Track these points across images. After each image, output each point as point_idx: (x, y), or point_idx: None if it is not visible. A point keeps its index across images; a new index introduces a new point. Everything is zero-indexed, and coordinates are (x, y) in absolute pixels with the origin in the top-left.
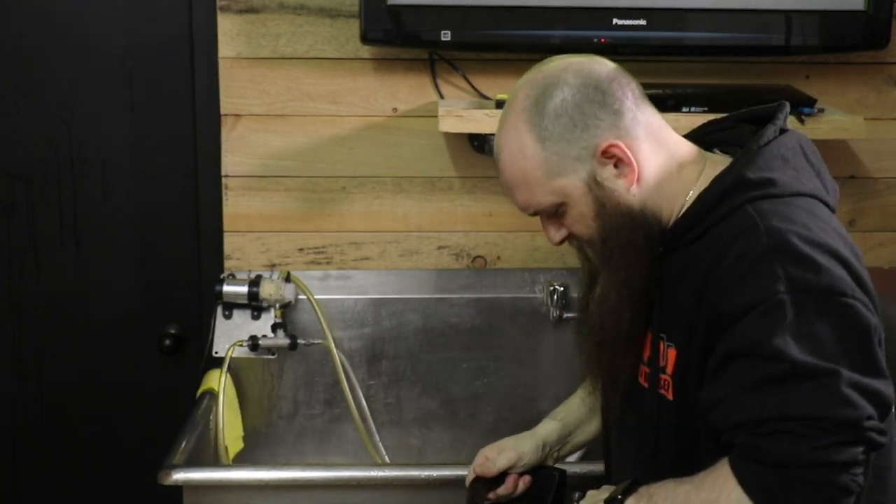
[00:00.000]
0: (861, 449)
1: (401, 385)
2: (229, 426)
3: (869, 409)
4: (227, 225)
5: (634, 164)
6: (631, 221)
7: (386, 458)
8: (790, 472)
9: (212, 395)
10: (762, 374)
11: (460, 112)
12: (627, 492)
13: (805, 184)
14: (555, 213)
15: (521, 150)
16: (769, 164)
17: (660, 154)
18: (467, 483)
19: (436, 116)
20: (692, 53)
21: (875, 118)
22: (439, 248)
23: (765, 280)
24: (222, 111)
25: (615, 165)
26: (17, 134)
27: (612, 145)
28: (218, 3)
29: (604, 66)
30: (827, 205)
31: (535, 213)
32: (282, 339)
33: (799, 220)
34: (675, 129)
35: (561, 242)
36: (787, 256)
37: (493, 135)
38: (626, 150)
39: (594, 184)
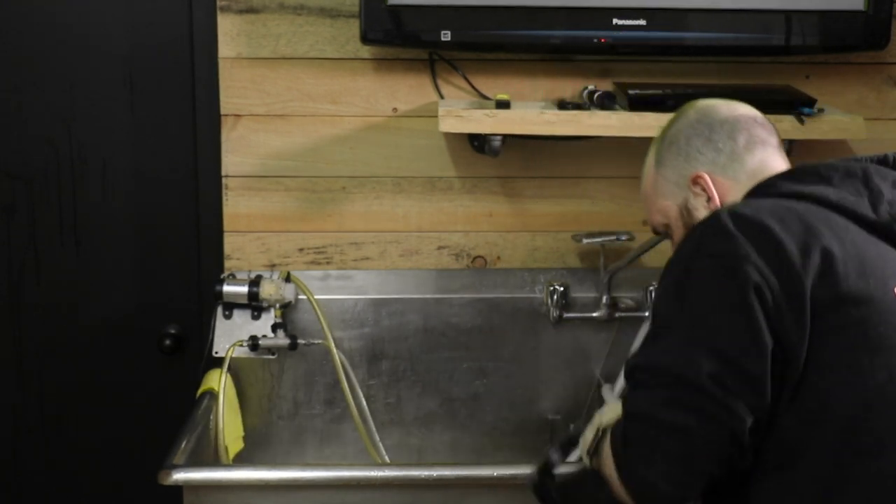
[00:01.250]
0: (694, 418)
1: (401, 385)
2: (229, 426)
3: (709, 369)
4: (227, 225)
5: (716, 198)
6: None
7: (386, 458)
8: (633, 425)
9: (212, 395)
10: (649, 330)
11: (460, 112)
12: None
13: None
14: (665, 235)
15: (646, 170)
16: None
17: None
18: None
19: (436, 116)
20: (692, 53)
21: (875, 118)
22: (439, 248)
23: (681, 246)
24: (222, 111)
25: (707, 198)
26: (17, 134)
27: (700, 176)
28: (218, 3)
29: (732, 109)
30: (834, 206)
31: (656, 233)
32: (282, 339)
33: (751, 204)
34: None
35: None
36: (707, 225)
37: (493, 135)
38: (710, 183)
39: (686, 210)
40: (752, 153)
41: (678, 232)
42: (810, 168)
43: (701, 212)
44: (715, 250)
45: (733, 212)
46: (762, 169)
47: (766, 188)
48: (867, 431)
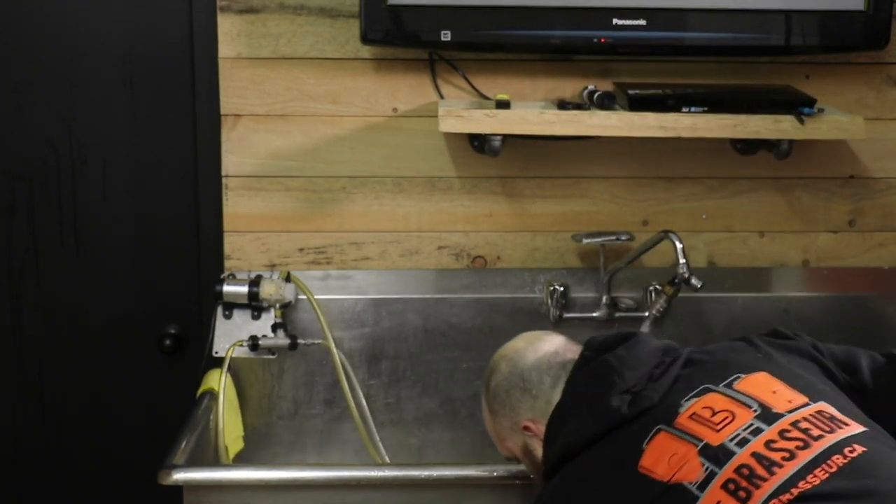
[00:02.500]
0: None
1: (401, 385)
2: (229, 426)
3: None
4: (227, 225)
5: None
6: None
7: (386, 458)
8: None
9: (212, 395)
10: None
11: (460, 112)
12: None
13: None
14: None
15: (484, 415)
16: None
17: None
18: None
19: (436, 116)
20: (692, 53)
21: (875, 118)
22: (439, 248)
23: None
24: (222, 111)
25: (540, 439)
26: (17, 134)
27: (527, 426)
28: (218, 4)
29: (535, 353)
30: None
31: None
32: (282, 339)
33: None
34: (675, 129)
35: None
36: None
37: (493, 135)
38: (538, 428)
39: (527, 450)
40: (559, 386)
41: (528, 465)
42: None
43: (539, 450)
44: None
45: None
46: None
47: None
48: None
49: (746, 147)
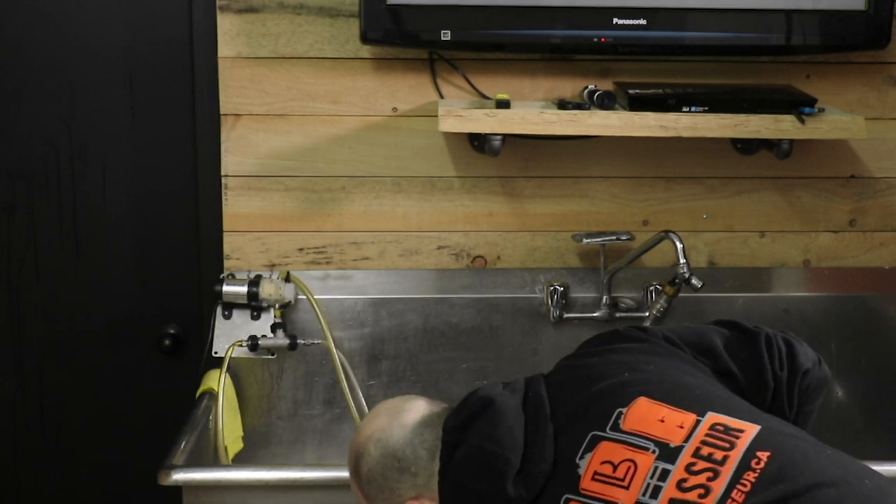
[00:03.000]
0: None
1: (401, 385)
2: (229, 426)
3: None
4: (226, 225)
5: None
6: None
7: None
8: None
9: (211, 395)
10: None
11: (460, 112)
12: None
13: None
14: None
15: (358, 499)
16: None
17: None
18: None
19: (436, 116)
20: (692, 53)
21: (876, 118)
22: (439, 248)
23: None
24: (222, 111)
25: None
26: (17, 134)
27: (411, 502)
28: (218, 3)
29: (403, 428)
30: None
31: None
32: (281, 339)
33: None
34: (675, 129)
35: None
36: None
37: (493, 134)
38: (429, 501)
39: None
40: (437, 455)
41: None
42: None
43: None
44: None
45: None
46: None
47: None
48: None
49: (747, 147)
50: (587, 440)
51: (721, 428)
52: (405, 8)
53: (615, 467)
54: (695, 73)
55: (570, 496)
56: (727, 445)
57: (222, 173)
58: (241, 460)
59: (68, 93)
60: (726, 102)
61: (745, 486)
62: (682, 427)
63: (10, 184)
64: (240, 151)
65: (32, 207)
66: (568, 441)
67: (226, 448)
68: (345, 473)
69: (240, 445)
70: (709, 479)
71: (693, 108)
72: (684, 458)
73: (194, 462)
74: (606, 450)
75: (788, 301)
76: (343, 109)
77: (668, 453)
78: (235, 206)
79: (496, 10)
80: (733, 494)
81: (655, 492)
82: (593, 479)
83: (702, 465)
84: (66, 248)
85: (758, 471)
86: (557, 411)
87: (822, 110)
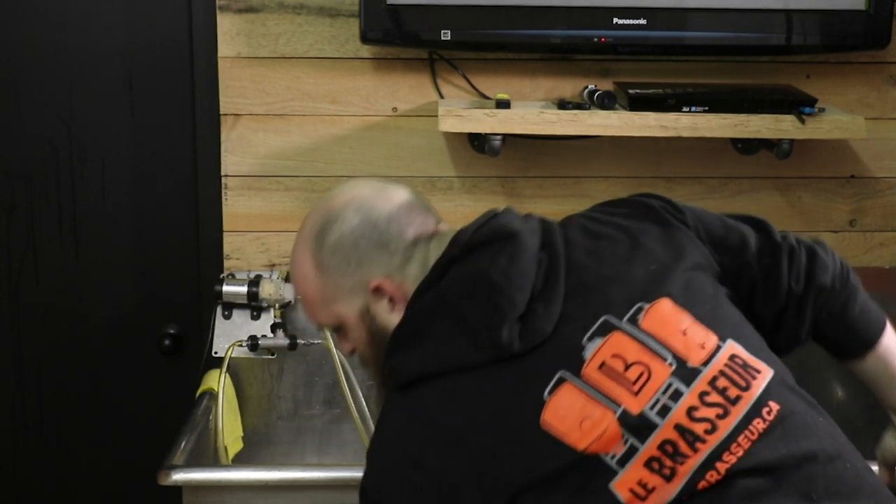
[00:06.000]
0: None
1: None
2: (229, 426)
3: None
4: (226, 225)
5: (401, 299)
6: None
7: None
8: None
9: (211, 395)
10: None
11: (460, 112)
12: None
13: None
14: (338, 331)
15: (303, 275)
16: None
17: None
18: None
19: (436, 116)
20: (692, 53)
21: (876, 118)
22: None
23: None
24: (222, 111)
25: (389, 300)
26: (16, 134)
27: (381, 284)
28: (218, 3)
29: (388, 202)
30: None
31: (321, 328)
32: (281, 339)
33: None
34: (675, 129)
35: (350, 354)
36: (385, 414)
37: (493, 134)
38: (395, 288)
39: (367, 315)
40: (420, 246)
41: (358, 334)
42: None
43: (384, 316)
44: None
45: (402, 405)
46: (427, 259)
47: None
48: None
49: (747, 147)
50: (599, 323)
51: (740, 362)
52: (405, 8)
53: (627, 367)
54: (695, 73)
55: (566, 375)
56: (743, 384)
57: (222, 173)
58: (241, 460)
59: (68, 93)
60: (726, 102)
61: (752, 433)
62: (703, 348)
63: (9, 184)
64: (240, 151)
65: (32, 207)
66: (576, 311)
67: (226, 448)
68: (345, 474)
69: (240, 445)
70: (717, 416)
71: (693, 108)
72: (700, 383)
73: (194, 462)
74: (620, 343)
75: None
76: (343, 109)
77: (684, 373)
78: (235, 206)
79: (496, 10)
80: (739, 439)
81: (664, 411)
82: (600, 369)
83: (715, 397)
84: (66, 248)
85: (767, 422)
86: (570, 274)
87: (822, 110)
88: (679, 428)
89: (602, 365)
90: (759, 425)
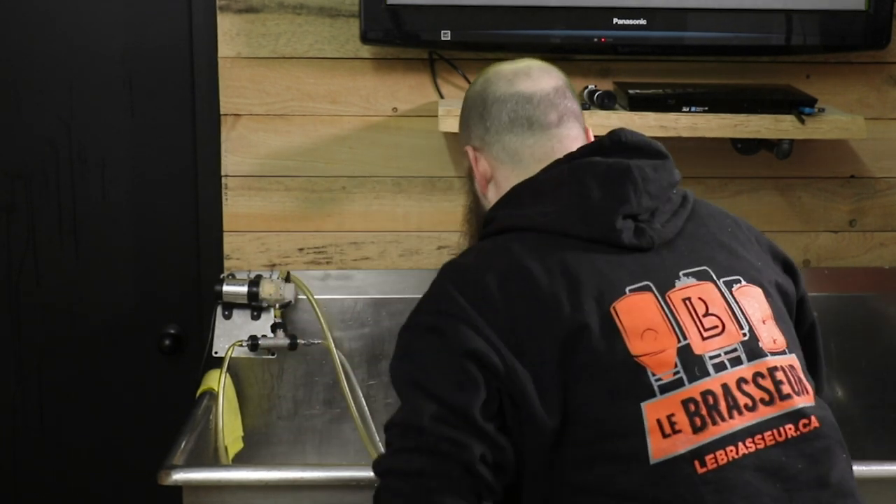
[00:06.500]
0: (425, 459)
1: None
2: (229, 426)
3: (430, 412)
4: (226, 225)
5: (478, 176)
6: (476, 219)
7: None
8: (381, 482)
9: (211, 395)
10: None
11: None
12: None
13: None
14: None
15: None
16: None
17: (519, 178)
18: None
19: (436, 116)
20: (692, 53)
21: (876, 118)
22: (439, 248)
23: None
24: (222, 111)
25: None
26: (16, 134)
27: (467, 151)
28: (218, 3)
29: (510, 84)
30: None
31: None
32: (282, 339)
33: (471, 254)
34: (675, 129)
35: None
36: (434, 283)
37: None
38: (473, 159)
39: (469, 173)
40: (516, 133)
41: (469, 185)
42: (528, 188)
43: (476, 178)
44: (424, 308)
45: (455, 270)
46: (530, 155)
47: (501, 217)
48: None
49: (747, 147)
50: (700, 268)
51: (797, 376)
52: (405, 8)
53: (707, 314)
54: (695, 73)
55: (652, 287)
56: (797, 389)
57: (222, 173)
58: (241, 460)
59: (68, 93)
60: (726, 102)
61: (780, 434)
62: (774, 342)
63: (9, 184)
64: (240, 151)
65: (32, 207)
66: (683, 248)
67: (226, 448)
68: (345, 473)
69: (240, 445)
70: (761, 401)
71: (693, 108)
72: (759, 364)
73: (194, 462)
74: (709, 292)
75: None
76: (343, 109)
77: (752, 348)
78: (235, 206)
79: (496, 10)
80: (771, 432)
81: (719, 367)
82: (683, 300)
83: (767, 383)
84: (66, 248)
85: (800, 432)
86: (691, 221)
87: (822, 110)
88: (725, 388)
89: (687, 299)
90: (791, 430)
